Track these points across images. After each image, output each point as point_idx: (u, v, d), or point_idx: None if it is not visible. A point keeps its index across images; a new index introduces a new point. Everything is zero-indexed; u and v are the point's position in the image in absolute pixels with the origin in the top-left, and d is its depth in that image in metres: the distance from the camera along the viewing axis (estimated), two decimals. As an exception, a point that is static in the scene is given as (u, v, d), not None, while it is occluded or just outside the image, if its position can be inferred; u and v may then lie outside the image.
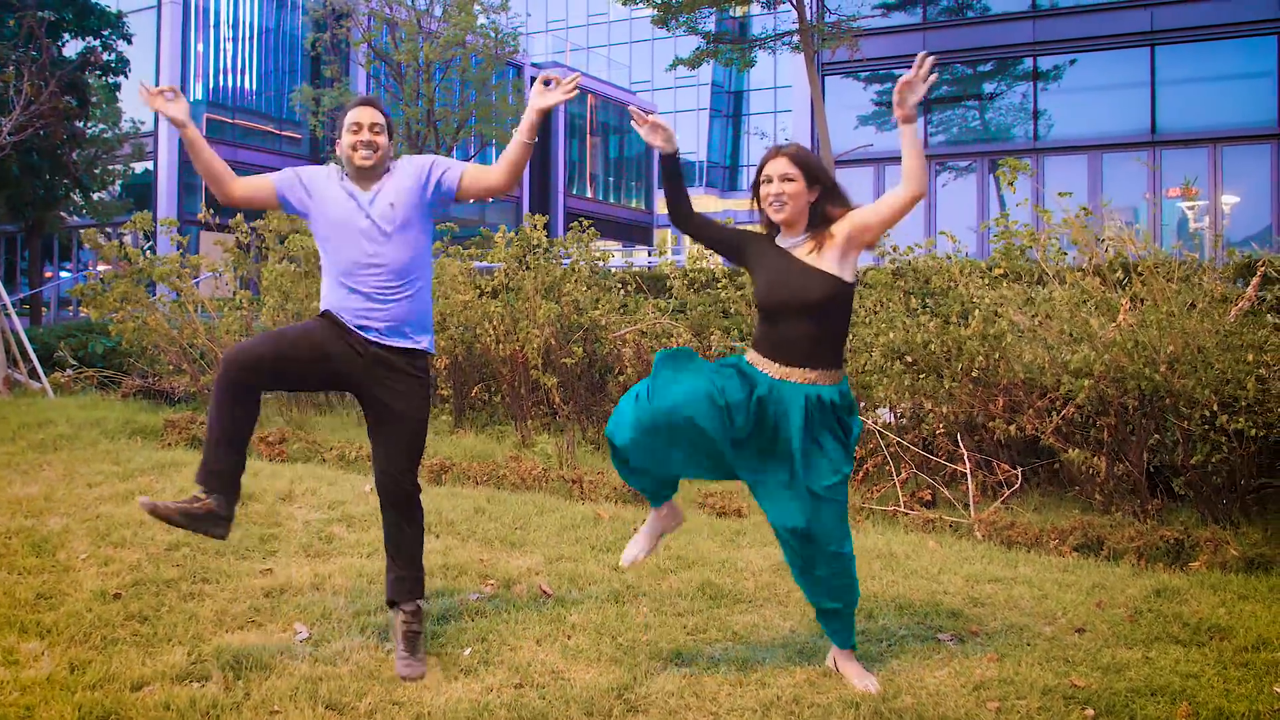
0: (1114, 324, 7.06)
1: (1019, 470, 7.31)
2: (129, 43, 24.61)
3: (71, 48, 23.71)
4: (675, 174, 4.49)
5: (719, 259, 9.17)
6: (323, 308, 4.56)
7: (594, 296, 9.40)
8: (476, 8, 27.51)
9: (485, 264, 10.67)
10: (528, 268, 9.59)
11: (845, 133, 26.15)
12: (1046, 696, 4.09)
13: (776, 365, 4.20)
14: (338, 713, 3.90)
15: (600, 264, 10.03)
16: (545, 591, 5.37)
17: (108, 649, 4.45)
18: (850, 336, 8.36)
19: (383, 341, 4.49)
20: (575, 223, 9.97)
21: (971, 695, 4.13)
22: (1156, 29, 24.35)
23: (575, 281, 9.43)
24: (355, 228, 4.46)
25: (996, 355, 7.39)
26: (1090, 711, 3.97)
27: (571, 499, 7.48)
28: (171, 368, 10.82)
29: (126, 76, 24.82)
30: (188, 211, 34.98)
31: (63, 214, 28.61)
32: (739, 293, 8.75)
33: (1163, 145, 24.21)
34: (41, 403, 11.05)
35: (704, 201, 66.95)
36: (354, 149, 4.47)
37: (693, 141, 70.59)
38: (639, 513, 7.04)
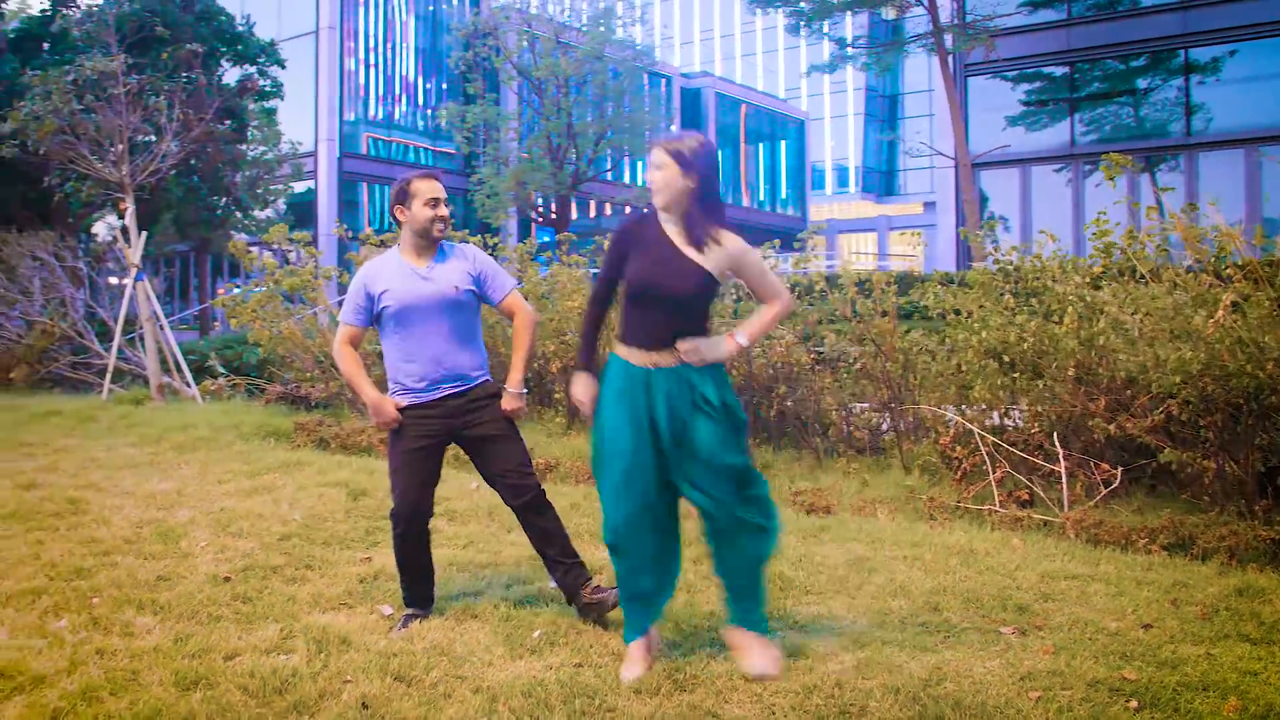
0: (1213, 321, 6.97)
1: (1119, 470, 7.25)
2: (283, 68, 25.82)
3: (232, 75, 25.04)
4: None
5: (822, 265, 9.32)
6: (391, 393, 5.05)
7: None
8: (615, 22, 27.96)
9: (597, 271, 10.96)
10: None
11: (993, 134, 25.86)
12: (1092, 689, 4.13)
13: (645, 353, 4.40)
14: (405, 684, 4.23)
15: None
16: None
17: (210, 624, 4.89)
18: (944, 337, 8.44)
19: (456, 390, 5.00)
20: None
21: (1016, 685, 4.19)
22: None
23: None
24: (419, 301, 4.93)
25: (1095, 354, 7.36)
26: (1134, 704, 3.99)
27: (665, 498, 7.69)
28: (308, 374, 11.43)
29: (281, 100, 26.03)
30: (352, 227, 36.36)
31: (232, 232, 30.11)
32: (840, 294, 8.87)
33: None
34: (189, 408, 11.85)
35: (860, 207, 66.32)
36: (432, 223, 4.93)
37: (846, 147, 70.02)
38: (730, 510, 7.21)
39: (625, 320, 4.46)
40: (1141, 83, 26.29)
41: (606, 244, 4.56)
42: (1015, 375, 7.72)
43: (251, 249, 12.10)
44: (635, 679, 4.32)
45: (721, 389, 4.46)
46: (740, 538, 4.55)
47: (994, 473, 7.51)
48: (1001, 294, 8.35)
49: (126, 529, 6.57)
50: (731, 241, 4.39)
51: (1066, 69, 26.83)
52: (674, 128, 36.15)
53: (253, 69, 24.49)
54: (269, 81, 24.87)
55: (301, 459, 8.69)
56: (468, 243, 5.32)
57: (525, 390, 5.01)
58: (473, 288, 5.01)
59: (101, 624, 4.87)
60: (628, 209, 36.97)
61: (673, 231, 4.39)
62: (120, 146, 12.78)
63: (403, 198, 4.97)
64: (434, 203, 4.93)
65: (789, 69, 72.20)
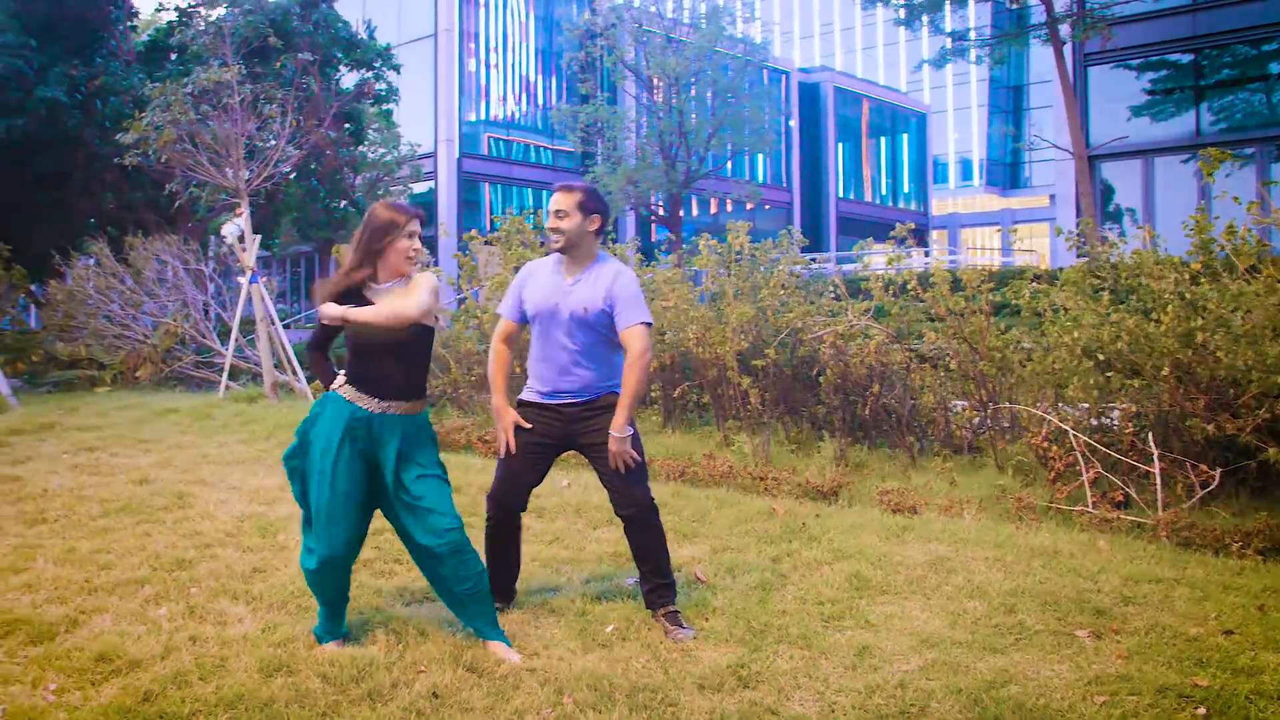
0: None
1: (1217, 472, 7.11)
2: (398, 72, 26.38)
3: (349, 80, 25.68)
4: None
5: (916, 263, 9.28)
6: (526, 387, 5.25)
7: (796, 300, 9.67)
8: (726, 19, 27.99)
9: (698, 270, 11.10)
10: (731, 274, 9.98)
11: (1115, 125, 25.22)
12: (1161, 695, 4.09)
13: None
14: (476, 674, 4.39)
15: (803, 270, 10.29)
16: (699, 578, 5.71)
17: (298, 615, 5.13)
18: (1040, 333, 8.35)
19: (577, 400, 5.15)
20: (785, 230, 10.30)
21: (1082, 689, 4.17)
22: None
23: (773, 286, 9.74)
24: (551, 312, 5.08)
25: (1194, 353, 7.23)
26: (1202, 711, 3.96)
27: (754, 494, 7.80)
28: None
29: (397, 104, 26.61)
30: (469, 228, 36.98)
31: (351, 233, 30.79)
32: (933, 293, 8.84)
33: None
34: (300, 406, 12.27)
35: (984, 200, 65.17)
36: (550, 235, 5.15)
37: (970, 140, 68.92)
38: (814, 507, 7.29)
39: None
40: (1276, 67, 25.40)
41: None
42: (1110, 374, 7.62)
43: (340, 248, 12.41)
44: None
45: None
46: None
47: (1087, 473, 7.43)
48: (1099, 291, 8.24)
49: (229, 523, 6.88)
50: None
51: (1192, 55, 26.09)
52: (792, 123, 35.96)
53: (369, 74, 25.08)
54: (385, 86, 25.44)
55: (401, 456, 8.93)
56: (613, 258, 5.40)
57: (630, 432, 5.00)
58: (606, 309, 5.04)
59: (197, 612, 5.13)
60: (749, 206, 36.94)
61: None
62: (236, 153, 13.27)
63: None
64: (550, 215, 5.08)
65: (910, 61, 71.30)
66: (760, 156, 47.42)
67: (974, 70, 67.05)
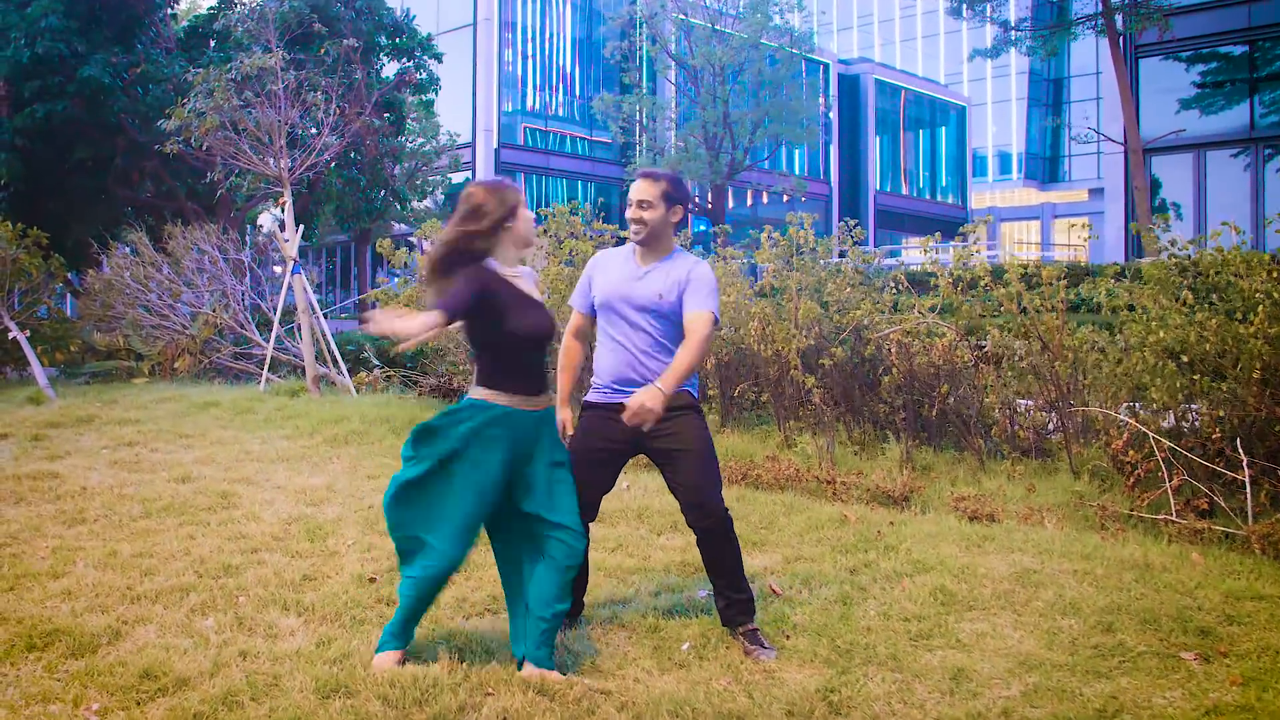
0: None
1: (1311, 479, 6.76)
2: (440, 61, 26.13)
3: (389, 70, 25.43)
4: None
5: (984, 258, 8.94)
6: (591, 388, 4.92)
7: (860, 296, 9.35)
8: (771, 9, 27.63)
9: (756, 265, 10.80)
10: (793, 268, 9.65)
11: (1165, 117, 24.72)
12: None
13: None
14: (548, 698, 4.08)
15: (868, 265, 9.96)
16: (775, 591, 5.43)
17: (354, 628, 4.84)
18: (1116, 334, 8.00)
19: None
20: (842, 222, 9.96)
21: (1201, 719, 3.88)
22: None
23: (839, 282, 9.42)
24: (622, 300, 4.79)
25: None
26: None
27: (823, 499, 7.50)
28: (461, 368, 11.45)
29: (437, 94, 26.37)
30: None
31: (390, 223, 30.65)
32: (1005, 290, 8.49)
33: None
34: (343, 401, 12.01)
35: (1023, 194, 64.68)
36: (629, 224, 4.85)
37: (1009, 133, 68.38)
38: (886, 514, 7.00)
39: None
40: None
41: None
42: (1195, 377, 7.25)
43: (401, 246, 12.13)
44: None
45: None
46: None
47: (1170, 480, 7.07)
48: (1179, 289, 7.86)
49: (276, 525, 6.60)
50: None
51: (1246, 48, 25.54)
52: (831, 115, 35.54)
53: (410, 63, 24.85)
54: (426, 75, 25.19)
55: (453, 454, 8.67)
56: (688, 253, 5.08)
57: (664, 393, 4.50)
58: (679, 299, 4.78)
59: (246, 624, 4.86)
60: (785, 198, 36.55)
61: None
62: (279, 141, 13.01)
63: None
64: (629, 204, 4.82)
65: (949, 54, 70.74)
66: (799, 149, 47.05)
67: (1014, 63, 66.56)
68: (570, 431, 4.88)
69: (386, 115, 22.76)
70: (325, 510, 7.01)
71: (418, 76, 24.62)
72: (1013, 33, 25.07)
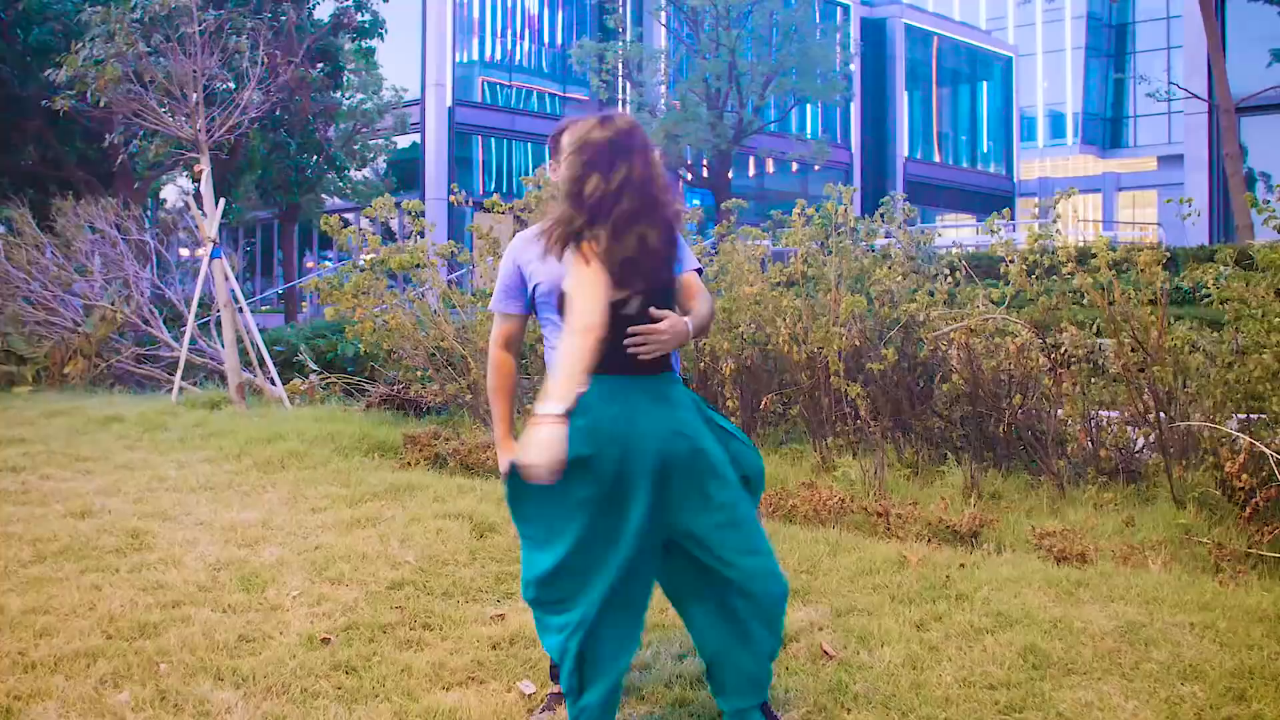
0: None
1: None
2: (385, 0, 25.87)
3: (323, 10, 25.12)
4: None
5: (1069, 238, 8.77)
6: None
7: (912, 286, 9.18)
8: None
9: (780, 249, 10.62)
10: (830, 252, 9.48)
11: (1254, 72, 24.62)
12: None
13: None
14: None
15: (922, 246, 9.81)
16: (827, 653, 5.27)
17: (306, 703, 4.66)
18: (1237, 332, 7.84)
19: None
20: (886, 197, 9.81)
21: None
22: None
23: (889, 268, 9.25)
24: None
25: None
26: None
27: (875, 536, 7.32)
28: (419, 374, 11.22)
29: (383, 38, 26.06)
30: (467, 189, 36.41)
31: (323, 196, 30.31)
32: (1093, 278, 8.33)
33: None
34: (276, 414, 11.79)
35: (1080, 162, 64.70)
36: None
37: (1062, 90, 68.42)
38: (956, 555, 6.82)
39: None
40: None
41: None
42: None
43: (349, 221, 11.85)
44: None
45: None
46: None
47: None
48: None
49: (201, 572, 6.38)
50: None
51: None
52: (852, 67, 35.39)
53: (349, 2, 24.55)
54: (368, 16, 24.90)
55: (413, 481, 8.45)
56: None
57: (690, 334, 4.19)
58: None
59: (171, 699, 4.67)
60: (794, 167, 36.32)
61: None
62: (195, 96, 12.75)
63: (554, 149, 4.56)
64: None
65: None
66: (813, 109, 46.88)
67: (1069, 5, 66.61)
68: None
69: (320, 66, 22.49)
70: (261, 552, 6.78)
71: (358, 19, 24.34)
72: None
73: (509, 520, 7.22)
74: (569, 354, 3.73)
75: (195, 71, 12.78)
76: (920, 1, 66.92)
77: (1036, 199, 60.17)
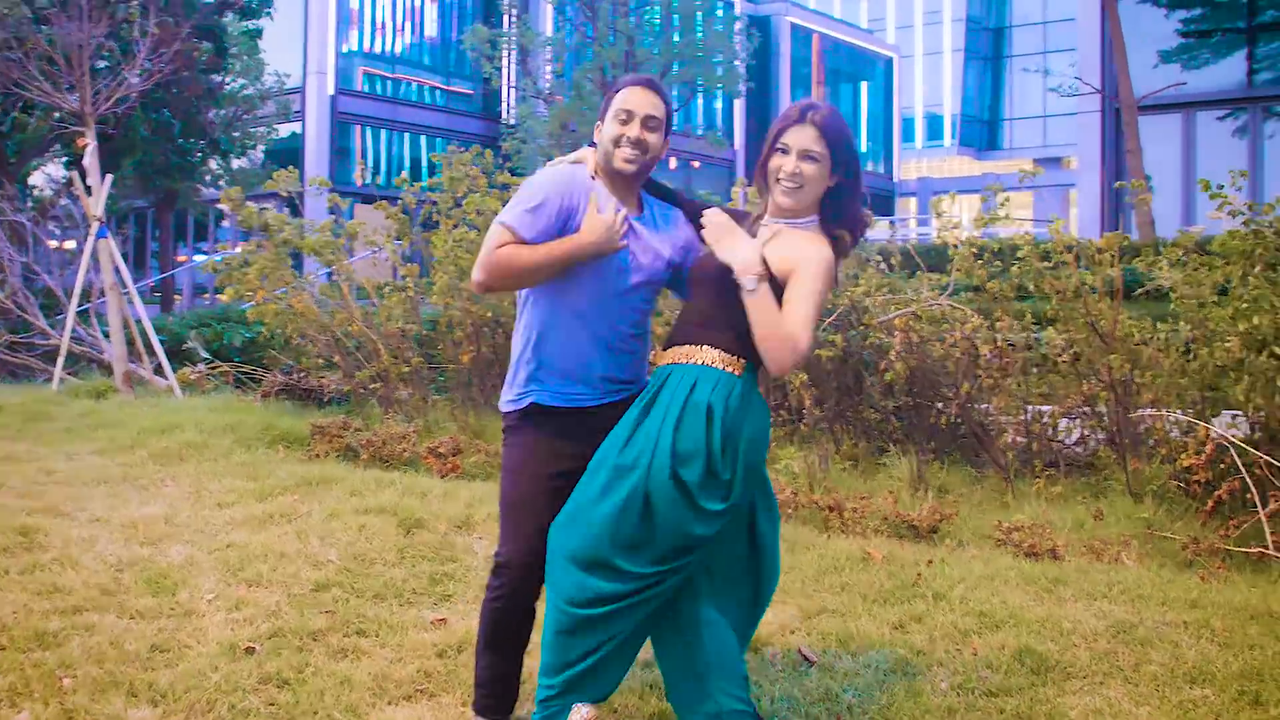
0: None
1: None
2: (272, -21, 25.05)
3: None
4: None
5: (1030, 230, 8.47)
6: (523, 388, 4.09)
7: (852, 271, 8.80)
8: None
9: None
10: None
11: (1142, 72, 24.73)
12: None
13: None
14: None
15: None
16: (807, 658, 4.93)
17: None
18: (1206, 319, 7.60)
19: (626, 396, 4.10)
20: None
21: None
22: None
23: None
24: (619, 259, 4.00)
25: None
26: None
27: (829, 531, 6.93)
28: (321, 361, 10.59)
29: (270, 19, 25.21)
30: (339, 182, 35.49)
31: (198, 185, 29.29)
32: (1045, 264, 8.02)
33: None
34: (167, 404, 11.07)
35: (958, 163, 65.35)
36: (617, 144, 3.98)
37: (939, 93, 69.04)
38: (920, 551, 6.49)
39: None
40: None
41: None
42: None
43: (224, 213, 11.10)
44: None
45: None
46: None
47: (1264, 505, 6.63)
48: (1274, 267, 7.47)
49: (102, 573, 5.73)
50: None
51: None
52: (738, 65, 35.01)
53: (235, -21, 23.67)
54: (254, -4, 24.02)
55: (325, 474, 7.81)
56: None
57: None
58: (677, 264, 4.12)
59: (79, 718, 4.10)
60: (696, 164, 35.95)
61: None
62: (82, 67, 11.92)
63: (603, 110, 4.07)
64: (626, 116, 3.97)
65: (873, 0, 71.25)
66: (701, 105, 46.68)
67: (948, 8, 67.24)
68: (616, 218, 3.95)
69: (206, 45, 21.53)
70: (168, 551, 6.14)
71: (243, -1, 23.42)
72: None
73: (437, 516, 6.74)
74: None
75: (83, 39, 11.97)
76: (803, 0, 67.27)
77: (915, 198, 60.74)
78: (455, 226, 9.87)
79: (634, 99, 3.97)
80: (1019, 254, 8.13)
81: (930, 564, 6.14)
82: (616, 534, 3.64)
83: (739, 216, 3.99)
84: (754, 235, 3.85)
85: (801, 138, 3.77)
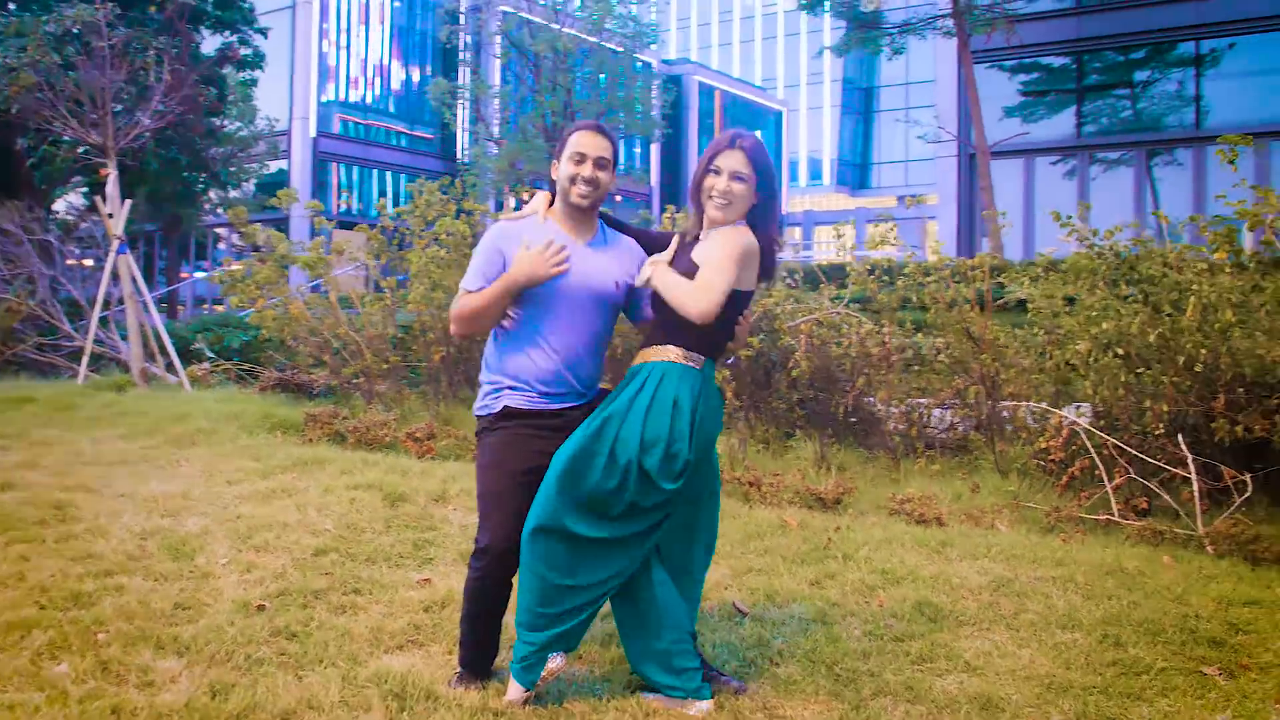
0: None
1: (1248, 476, 6.37)
2: (265, 37, 24.53)
3: (208, 45, 23.64)
4: None
5: (913, 252, 8.42)
6: (493, 392, 3.95)
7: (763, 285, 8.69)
8: (613, -2, 27.02)
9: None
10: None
11: (990, 124, 24.95)
12: None
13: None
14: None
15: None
16: (740, 610, 4.78)
17: (252, 670, 3.93)
18: (1057, 325, 7.60)
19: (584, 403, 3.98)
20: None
21: None
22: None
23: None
24: (573, 286, 3.89)
25: (1224, 348, 6.50)
26: None
27: (750, 503, 6.81)
28: (311, 360, 10.34)
29: (263, 70, 24.74)
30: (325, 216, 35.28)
31: (199, 212, 28.77)
32: (928, 279, 7.98)
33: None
34: (178, 396, 10.73)
35: (835, 200, 65.85)
36: (573, 182, 3.87)
37: (820, 140, 69.57)
38: (828, 520, 6.38)
39: None
40: (1140, 75, 25.60)
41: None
42: (1140, 370, 6.83)
43: (240, 210, 10.76)
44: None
45: None
46: None
47: (1110, 480, 6.62)
48: (1114, 283, 7.46)
49: (129, 541, 5.48)
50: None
51: (1073, 58, 26.11)
52: (654, 114, 34.91)
53: (234, 37, 23.12)
54: (251, 50, 23.50)
55: (319, 456, 7.58)
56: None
57: None
58: (630, 285, 3.99)
59: (113, 669, 3.89)
60: (618, 198, 35.97)
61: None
62: (105, 106, 11.54)
63: (558, 150, 3.95)
64: (579, 158, 3.86)
65: (765, 60, 71.63)
66: (639, 144, 46.74)
67: (827, 71, 67.72)
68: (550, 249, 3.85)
69: (211, 92, 21.07)
70: (185, 522, 5.90)
71: (241, 52, 22.89)
72: (870, 29, 24.94)
73: (417, 491, 6.55)
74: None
75: (105, 83, 11.57)
76: (707, 61, 67.29)
77: (800, 227, 61.05)
78: (427, 246, 9.66)
79: (586, 142, 3.88)
80: (905, 271, 8.09)
81: (838, 530, 6.04)
82: (582, 504, 3.61)
83: (668, 236, 4.00)
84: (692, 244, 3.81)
85: (731, 161, 3.75)
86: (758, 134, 3.85)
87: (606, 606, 4.01)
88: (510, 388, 3.88)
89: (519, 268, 3.77)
